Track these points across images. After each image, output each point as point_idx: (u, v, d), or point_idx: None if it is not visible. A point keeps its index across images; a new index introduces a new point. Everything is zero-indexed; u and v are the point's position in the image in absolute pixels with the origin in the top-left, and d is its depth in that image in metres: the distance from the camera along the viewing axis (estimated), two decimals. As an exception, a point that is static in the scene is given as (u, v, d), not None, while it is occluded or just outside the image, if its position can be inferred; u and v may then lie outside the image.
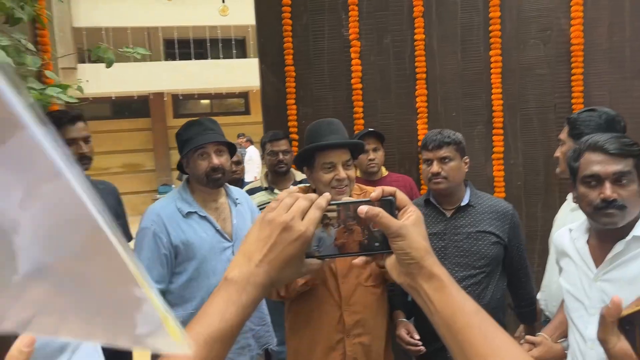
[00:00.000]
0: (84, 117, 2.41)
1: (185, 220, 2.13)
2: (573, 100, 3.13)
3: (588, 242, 1.58)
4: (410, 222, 0.70)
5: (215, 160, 2.10)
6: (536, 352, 1.66)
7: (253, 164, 9.87)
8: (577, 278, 1.56)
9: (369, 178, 3.05)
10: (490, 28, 3.18)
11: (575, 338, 1.55)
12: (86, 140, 2.35)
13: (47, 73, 1.76)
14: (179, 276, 2.13)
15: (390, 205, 0.71)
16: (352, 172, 1.90)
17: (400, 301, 2.12)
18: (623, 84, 3.11)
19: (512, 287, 2.20)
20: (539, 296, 2.21)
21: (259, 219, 0.70)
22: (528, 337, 1.75)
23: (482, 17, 3.20)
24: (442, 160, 2.04)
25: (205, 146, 2.10)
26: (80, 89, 2.03)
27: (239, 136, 10.52)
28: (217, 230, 2.17)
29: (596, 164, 1.45)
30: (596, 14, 3.10)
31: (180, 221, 2.13)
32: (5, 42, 1.10)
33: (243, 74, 11.41)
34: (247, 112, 13.85)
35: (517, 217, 2.15)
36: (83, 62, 10.95)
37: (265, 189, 3.06)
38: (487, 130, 3.25)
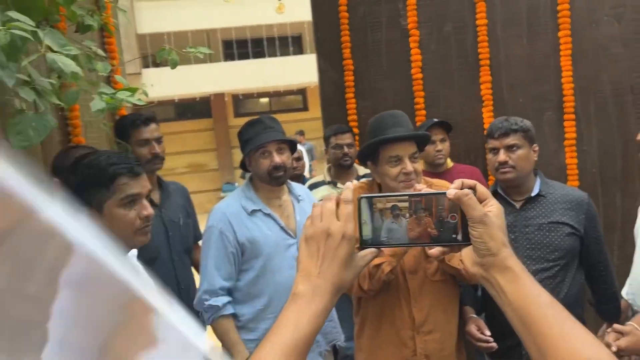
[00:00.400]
0: (157, 119, 2.50)
1: (250, 218, 2.15)
2: (653, 80, 2.92)
3: None
4: (493, 213, 0.70)
5: (277, 159, 2.11)
6: (624, 342, 1.54)
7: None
8: None
9: (435, 170, 2.97)
10: (558, 8, 3.01)
11: None
12: (159, 140, 2.43)
13: (117, 78, 1.83)
14: (245, 273, 2.16)
15: None
16: (419, 165, 1.86)
17: (470, 297, 2.05)
18: None
19: (592, 282, 2.07)
20: (625, 290, 2.06)
21: (302, 239, 0.73)
22: (616, 325, 1.63)
23: (549, -3, 3.03)
24: (510, 148, 1.95)
25: (267, 145, 2.11)
26: (145, 92, 2.09)
27: (296, 133, 10.63)
28: (281, 227, 2.18)
29: None
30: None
31: (245, 219, 2.15)
32: (75, 52, 1.14)
33: (300, 70, 11.49)
34: (305, 108, 13.95)
35: (593, 207, 2.02)
36: (147, 67, 11.39)
37: (328, 183, 3.05)
38: (558, 116, 3.09)
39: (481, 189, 0.73)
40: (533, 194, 2.01)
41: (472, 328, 1.92)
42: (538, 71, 3.09)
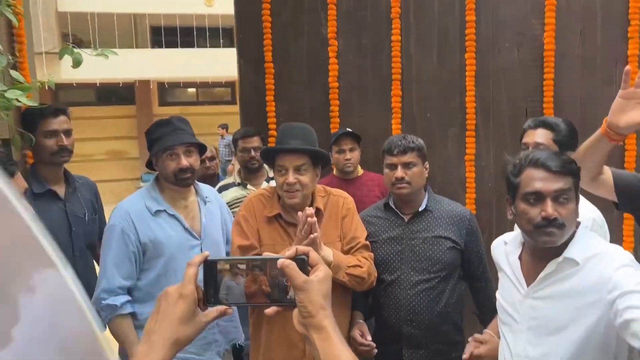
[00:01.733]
0: (68, 111, 2.43)
1: (154, 219, 2.16)
2: (544, 105, 3.19)
3: (521, 257, 1.57)
4: (317, 278, 0.80)
5: (184, 161, 2.13)
6: (483, 349, 1.71)
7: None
8: (509, 293, 1.57)
9: (345, 177, 3.09)
10: (466, 32, 3.22)
11: (504, 353, 1.58)
12: (67, 133, 2.38)
13: (12, 73, 1.77)
14: (146, 273, 2.16)
15: (302, 262, 0.81)
16: (306, 178, 1.95)
17: (360, 303, 2.17)
18: (594, 91, 3.17)
19: (473, 292, 2.24)
20: None
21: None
22: (476, 335, 1.80)
23: (458, 20, 3.23)
24: (406, 165, 2.08)
25: (174, 147, 2.13)
26: (51, 83, 2.04)
27: (220, 126, 10.52)
28: (185, 229, 2.20)
29: (538, 180, 1.42)
30: (568, 21, 3.15)
31: (148, 219, 2.15)
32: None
33: (230, 63, 11.30)
34: (233, 101, 13.79)
35: (474, 223, 2.18)
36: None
37: (238, 184, 3.09)
38: (461, 132, 3.30)
39: (313, 255, 0.82)
40: (420, 209, 2.15)
41: (356, 333, 2.04)
42: (445, 89, 3.29)
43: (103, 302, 2.08)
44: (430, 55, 3.28)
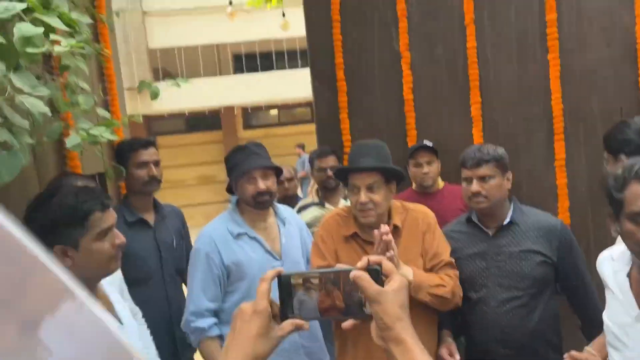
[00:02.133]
0: (156, 144, 2.59)
1: (236, 242, 2.21)
2: (642, 103, 2.94)
3: (630, 274, 1.40)
4: (392, 288, 0.77)
5: (261, 185, 2.17)
6: None
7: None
8: (618, 315, 1.42)
9: (425, 191, 3.01)
10: (548, 31, 3.05)
11: None
12: (156, 163, 2.52)
13: (99, 111, 1.90)
14: (231, 295, 2.21)
15: (376, 273, 0.78)
16: (378, 196, 1.92)
17: (447, 321, 2.08)
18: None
19: (575, 307, 2.07)
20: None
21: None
22: (573, 353, 1.64)
23: (538, 20, 3.07)
24: (482, 178, 1.97)
25: (251, 171, 2.17)
26: (137, 118, 2.18)
27: (297, 146, 10.67)
28: (266, 250, 2.24)
29: None
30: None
31: (231, 242, 2.21)
32: (45, 92, 1.21)
33: (308, 83, 11.56)
34: (312, 120, 13.99)
35: (567, 233, 2.03)
36: (158, 80, 11.55)
37: (316, 204, 3.10)
38: (548, 137, 3.11)
39: (387, 264, 0.79)
40: (505, 222, 2.03)
41: (444, 351, 1.96)
42: (528, 93, 3.12)
43: (191, 324, 2.15)
44: (510, 58, 3.14)
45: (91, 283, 1.51)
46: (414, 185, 3.10)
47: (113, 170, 2.47)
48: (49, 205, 1.39)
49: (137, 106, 9.85)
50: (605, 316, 1.49)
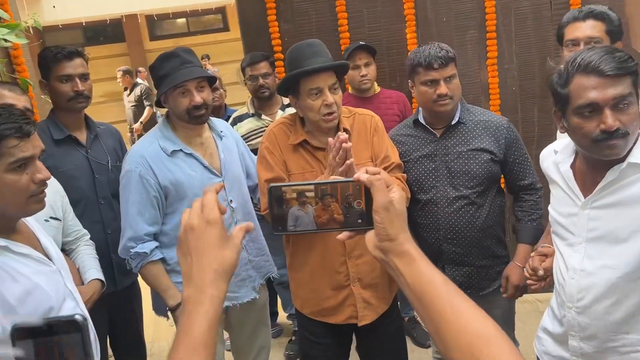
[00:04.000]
0: (84, 54, 2.26)
1: (171, 160, 2.04)
2: (571, -2, 2.95)
3: (573, 166, 1.43)
4: (395, 200, 0.74)
5: (197, 98, 1.97)
6: (548, 263, 1.60)
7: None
8: (564, 204, 1.45)
9: (362, 95, 2.92)
10: None
11: (559, 266, 1.48)
12: (84, 77, 2.25)
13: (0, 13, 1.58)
14: (171, 217, 2.07)
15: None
16: (339, 97, 1.83)
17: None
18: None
19: (518, 202, 2.11)
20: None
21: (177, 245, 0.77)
22: (540, 248, 1.69)
23: None
24: (449, 79, 1.90)
25: (185, 83, 1.96)
26: (37, 22, 1.85)
27: (202, 58, 10.07)
28: (205, 167, 2.09)
29: (591, 89, 1.24)
30: None
31: (166, 161, 2.03)
32: None
33: (218, -13, 10.81)
34: (225, 28, 13.28)
35: (513, 131, 2.02)
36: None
37: (252, 115, 2.93)
38: (480, 34, 3.08)
39: (385, 175, 0.76)
40: (453, 122, 2.00)
41: None
42: (461, -12, 3.03)
43: (132, 250, 2.01)
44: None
45: (7, 219, 1.32)
46: (350, 89, 2.99)
47: (23, 82, 2.14)
48: None
49: (24, 15, 8.77)
50: (550, 209, 1.53)
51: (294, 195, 0.76)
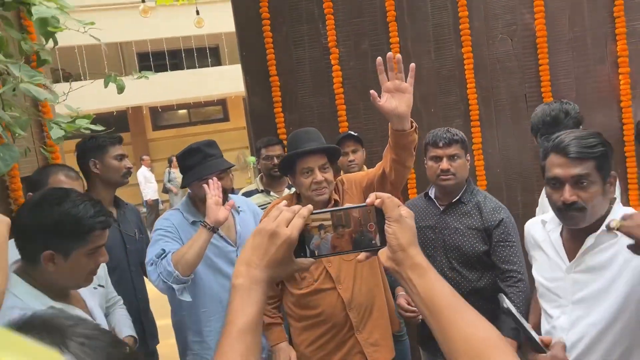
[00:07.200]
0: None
1: (193, 227, 2.29)
2: (542, 89, 3.34)
3: (561, 234, 1.61)
4: (405, 214, 0.83)
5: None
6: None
7: (149, 183, 10.30)
8: (550, 270, 1.61)
9: (351, 179, 3.22)
10: (460, 27, 3.37)
11: (547, 328, 1.62)
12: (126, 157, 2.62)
13: (67, 107, 1.89)
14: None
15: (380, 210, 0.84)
16: (330, 175, 2.07)
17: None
18: (587, 71, 3.32)
19: (503, 281, 2.12)
20: None
21: (254, 231, 0.84)
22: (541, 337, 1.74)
23: (452, 16, 3.39)
24: (452, 157, 2.15)
25: (207, 176, 2.23)
26: (89, 116, 2.18)
27: (141, 159, 10.65)
28: (222, 237, 2.33)
29: (557, 166, 1.47)
30: (557, 6, 3.31)
31: (188, 227, 2.29)
32: (43, 80, 1.23)
33: (219, 81, 11.49)
34: (225, 118, 13.93)
35: (507, 216, 2.15)
36: (58, 81, 10.92)
37: (261, 191, 3.22)
38: (465, 123, 3.44)
39: (393, 198, 0.85)
40: (454, 200, 2.22)
41: (402, 300, 2.17)
42: (446, 83, 3.43)
43: (153, 266, 2.11)
44: (428, 52, 3.43)
45: (64, 288, 1.53)
46: (342, 173, 3.29)
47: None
48: (55, 209, 1.39)
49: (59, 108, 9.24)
50: (535, 273, 1.70)
51: (316, 225, 0.84)
